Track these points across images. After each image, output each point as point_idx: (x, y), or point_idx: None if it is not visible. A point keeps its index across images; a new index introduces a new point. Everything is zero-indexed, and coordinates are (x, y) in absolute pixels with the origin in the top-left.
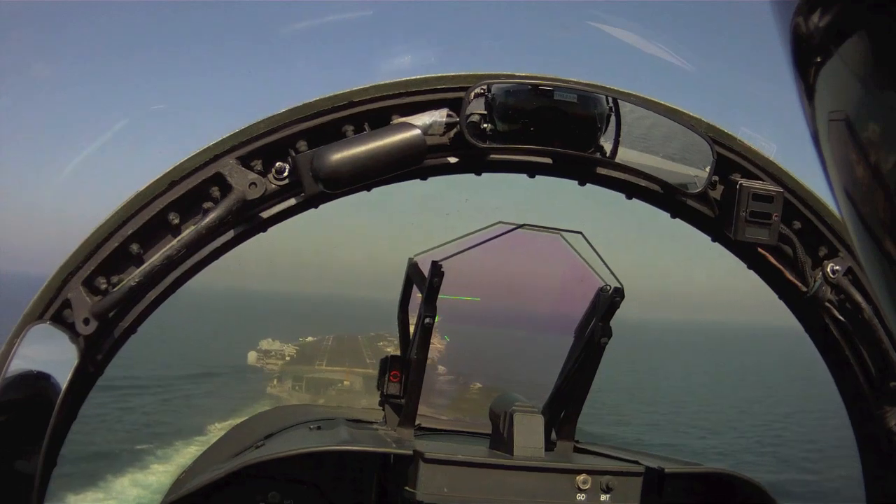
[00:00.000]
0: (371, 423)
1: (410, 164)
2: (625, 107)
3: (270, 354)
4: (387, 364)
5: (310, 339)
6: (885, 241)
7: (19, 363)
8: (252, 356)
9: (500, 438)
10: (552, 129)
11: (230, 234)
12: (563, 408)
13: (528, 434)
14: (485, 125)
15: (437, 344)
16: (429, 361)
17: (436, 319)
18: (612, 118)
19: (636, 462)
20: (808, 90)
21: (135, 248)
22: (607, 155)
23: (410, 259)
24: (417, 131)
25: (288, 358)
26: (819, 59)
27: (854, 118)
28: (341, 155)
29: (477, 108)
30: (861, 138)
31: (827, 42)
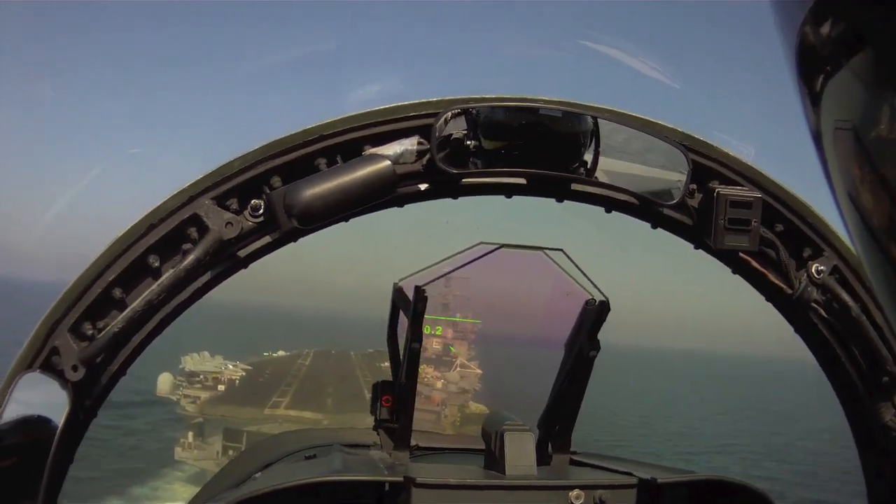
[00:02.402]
0: (368, 446)
1: (382, 195)
2: (602, 122)
3: (195, 380)
4: (378, 389)
5: (279, 353)
6: (889, 245)
7: (13, 411)
8: (164, 382)
9: (493, 458)
10: (537, 147)
11: (210, 274)
12: (558, 422)
13: (520, 453)
14: (468, 142)
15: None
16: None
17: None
18: (593, 136)
19: (629, 474)
20: (812, 97)
21: (117, 292)
22: (588, 170)
23: (395, 284)
24: (387, 162)
25: (222, 387)
26: (826, 68)
27: (861, 126)
28: (313, 191)
29: (457, 127)
30: (867, 146)
31: (835, 52)
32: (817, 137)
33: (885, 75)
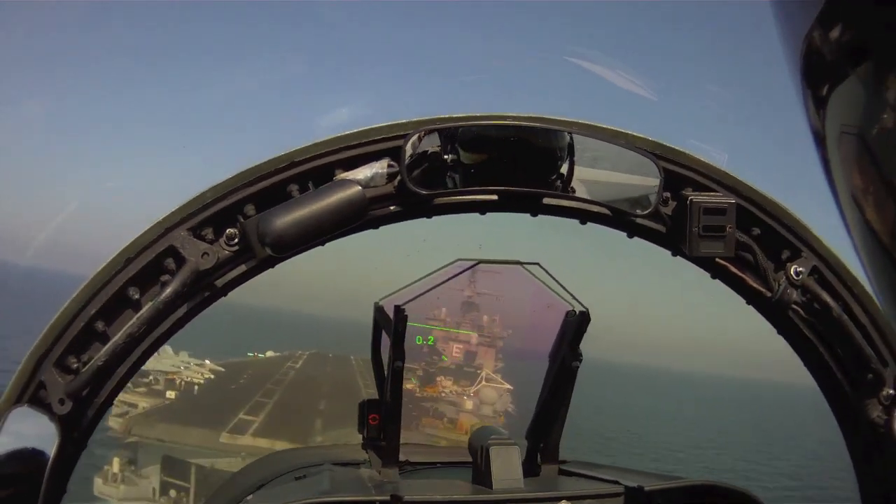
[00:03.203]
0: (359, 464)
1: (353, 220)
2: (576, 136)
3: (140, 381)
4: (365, 408)
5: (268, 354)
6: (893, 247)
7: (5, 445)
8: None
9: (480, 472)
10: (515, 161)
11: (188, 305)
12: (545, 432)
13: (506, 467)
14: (445, 156)
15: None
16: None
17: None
18: (566, 149)
19: (616, 482)
20: (817, 101)
21: (100, 325)
22: (563, 181)
23: (376, 303)
24: (357, 188)
25: (173, 394)
26: (832, 74)
27: (866, 130)
28: (285, 219)
29: (430, 144)
30: (873, 150)
31: (842, 58)
32: (820, 141)
33: (892, 80)
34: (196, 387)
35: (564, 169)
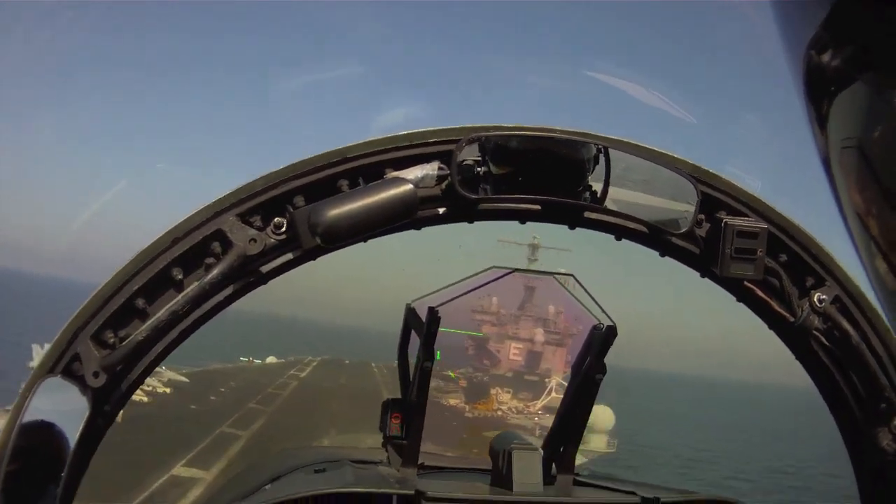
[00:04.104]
0: (376, 462)
1: (403, 217)
2: (614, 153)
3: None
4: (388, 406)
5: (268, 360)
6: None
7: (32, 414)
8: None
9: (500, 475)
10: (543, 172)
11: (232, 288)
12: (563, 442)
13: (527, 471)
14: (479, 169)
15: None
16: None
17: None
18: (602, 163)
19: (632, 493)
20: (819, 118)
21: (140, 303)
22: (597, 198)
23: (408, 305)
24: (410, 186)
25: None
26: (832, 89)
27: (866, 145)
28: (337, 211)
29: (471, 154)
30: (873, 164)
31: (841, 73)
32: (825, 158)
33: (891, 95)
34: (136, 407)
35: (596, 183)
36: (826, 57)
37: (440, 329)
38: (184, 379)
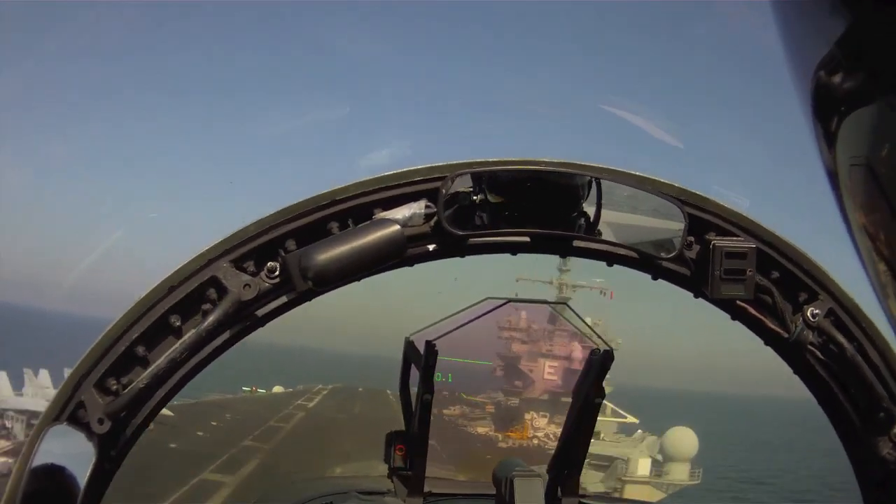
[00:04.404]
0: (383, 493)
1: (392, 257)
2: (603, 182)
3: None
4: (392, 439)
5: (275, 390)
6: None
7: (41, 461)
8: None
9: (503, 502)
10: (536, 203)
11: (229, 333)
12: (566, 466)
13: (529, 498)
14: (474, 197)
15: None
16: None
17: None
18: (594, 192)
19: None
20: (827, 137)
21: (140, 350)
22: (590, 224)
23: (407, 338)
24: (397, 227)
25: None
26: (841, 109)
27: (876, 164)
28: (327, 255)
29: (463, 185)
30: (883, 182)
31: (850, 93)
32: (832, 175)
33: None
34: None
35: (589, 211)
36: (837, 76)
37: (447, 358)
38: (167, 413)
